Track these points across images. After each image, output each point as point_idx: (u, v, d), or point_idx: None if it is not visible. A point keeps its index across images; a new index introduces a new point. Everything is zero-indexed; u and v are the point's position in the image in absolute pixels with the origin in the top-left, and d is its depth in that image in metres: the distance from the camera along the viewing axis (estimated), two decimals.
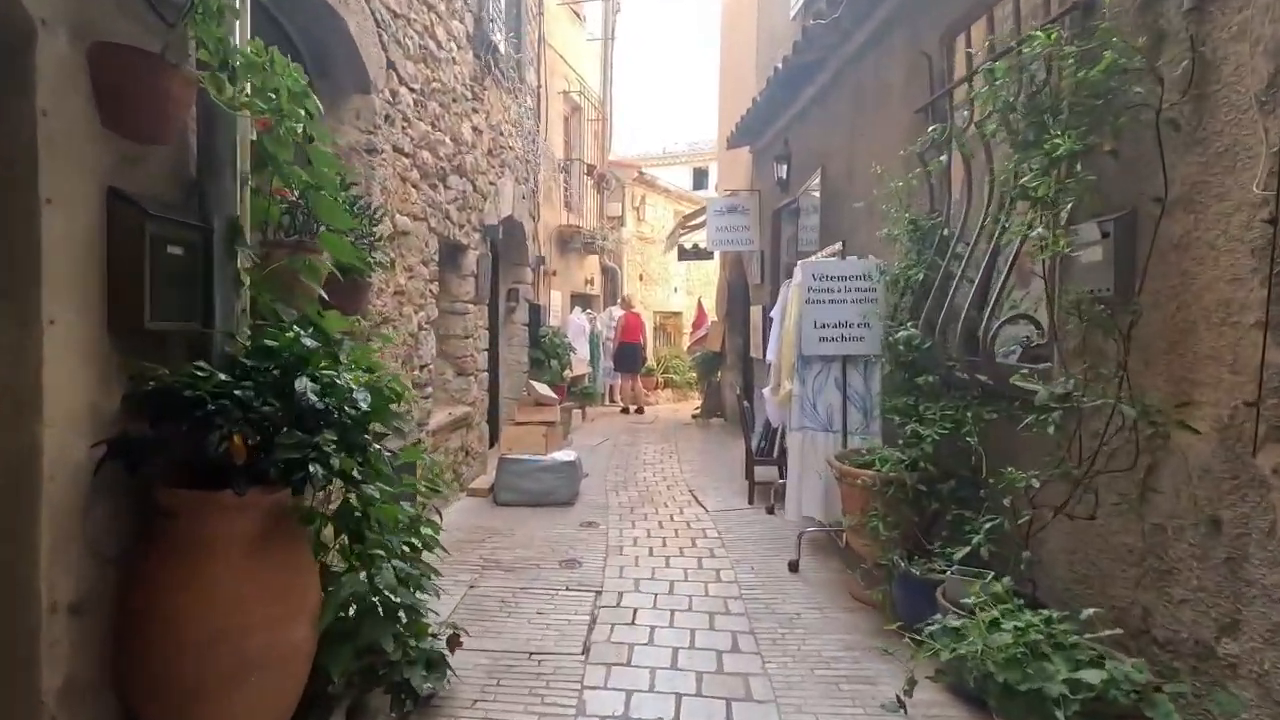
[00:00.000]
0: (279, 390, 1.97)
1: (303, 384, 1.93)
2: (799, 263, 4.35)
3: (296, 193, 2.67)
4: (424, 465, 3.15)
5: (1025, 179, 2.48)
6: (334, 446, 2.02)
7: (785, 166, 6.88)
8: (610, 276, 13.03)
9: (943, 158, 3.31)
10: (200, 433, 1.85)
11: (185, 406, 1.85)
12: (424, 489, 3.00)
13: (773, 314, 4.63)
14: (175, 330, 2.07)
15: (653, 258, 14.56)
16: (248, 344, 2.17)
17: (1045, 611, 2.13)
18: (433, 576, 2.79)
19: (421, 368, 4.66)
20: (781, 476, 5.65)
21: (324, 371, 2.05)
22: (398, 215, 4.14)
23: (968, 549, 2.69)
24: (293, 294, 2.55)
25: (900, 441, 3.34)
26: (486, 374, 6.24)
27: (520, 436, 5.60)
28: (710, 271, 16.51)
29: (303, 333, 2.09)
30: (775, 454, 5.63)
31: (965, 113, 3.43)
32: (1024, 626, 1.96)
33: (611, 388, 12.60)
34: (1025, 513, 2.58)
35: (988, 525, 2.64)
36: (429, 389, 4.81)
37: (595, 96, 12.03)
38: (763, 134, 7.64)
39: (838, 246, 4.11)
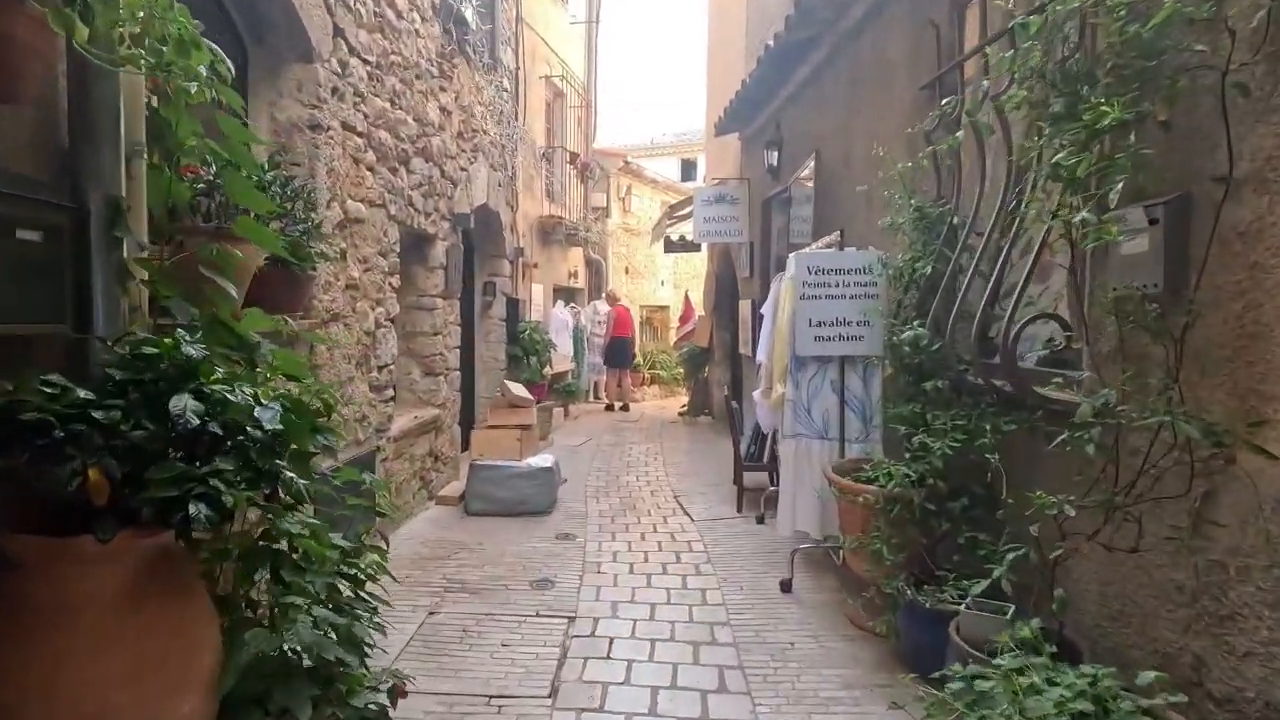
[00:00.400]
0: (155, 410, 1.58)
1: (180, 403, 1.54)
2: (792, 254, 3.99)
3: (213, 171, 2.28)
4: (371, 484, 2.77)
5: (1057, 156, 2.13)
6: (231, 476, 1.64)
7: (776, 153, 6.51)
8: (595, 269, 12.64)
9: (958, 135, 2.94)
10: (48, 465, 1.47)
11: (26, 432, 1.46)
12: (374, 510, 2.61)
13: (763, 310, 4.28)
14: (31, 334, 1.68)
15: (639, 250, 14.17)
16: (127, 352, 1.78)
17: (1089, 670, 1.79)
18: (377, 613, 2.42)
19: (381, 369, 4.27)
20: (772, 483, 5.32)
21: (215, 385, 1.67)
22: (349, 201, 3.74)
23: (987, 582, 2.35)
24: (202, 290, 2.16)
25: (906, 454, 3.00)
26: (458, 373, 5.85)
27: (493, 441, 5.23)
28: (698, 264, 16.13)
29: (187, 337, 1.69)
30: (765, 459, 5.29)
31: (979, 87, 3.07)
32: (1069, 695, 1.62)
33: (597, 384, 12.23)
34: (1055, 542, 2.25)
35: (1010, 555, 2.30)
36: (390, 391, 4.42)
37: (579, 82, 11.59)
38: (752, 119, 7.27)
39: (835, 236, 3.76)
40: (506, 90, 7.31)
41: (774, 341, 4.03)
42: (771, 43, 5.42)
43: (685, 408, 10.37)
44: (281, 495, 1.92)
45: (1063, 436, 2.15)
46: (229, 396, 1.64)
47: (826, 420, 3.78)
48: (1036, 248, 2.54)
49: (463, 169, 5.83)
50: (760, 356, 4.19)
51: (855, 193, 4.65)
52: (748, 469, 5.32)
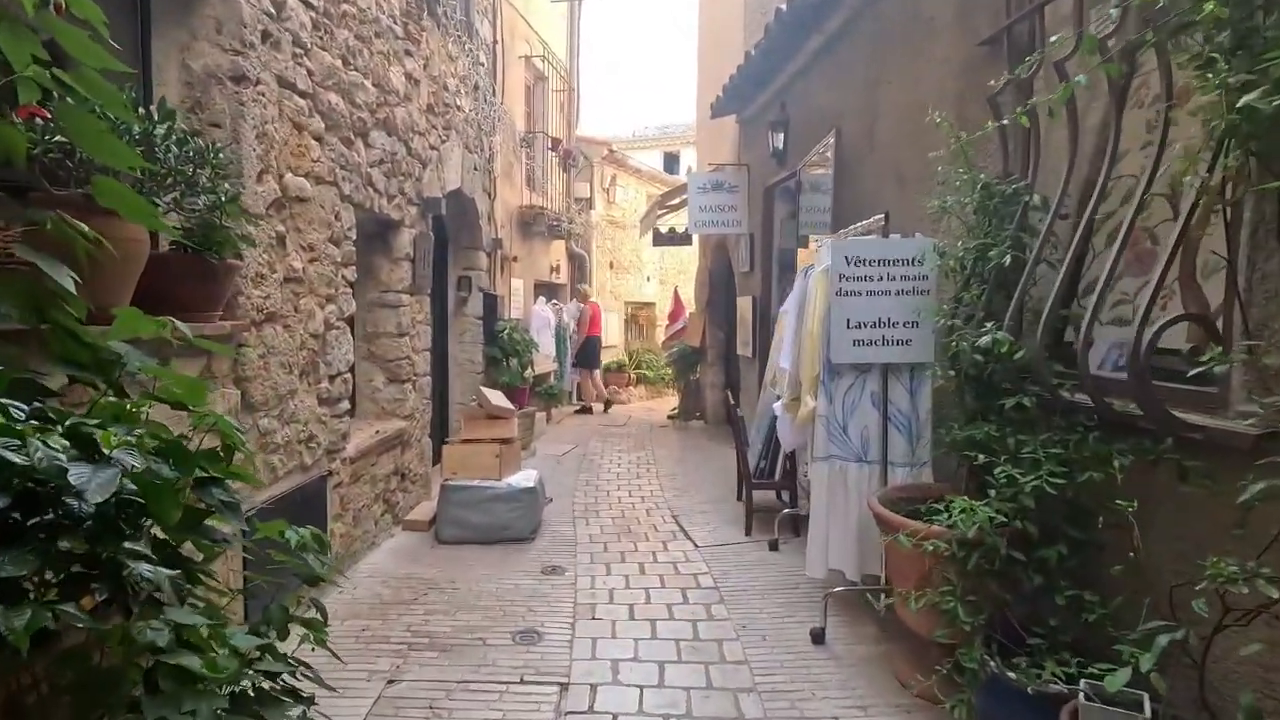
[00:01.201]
0: None
1: None
2: (825, 242, 3.40)
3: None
4: (303, 540, 2.11)
5: (1248, 98, 1.54)
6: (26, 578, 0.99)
7: (782, 135, 5.92)
8: (578, 264, 11.98)
9: (1059, 91, 2.34)
10: None
11: None
12: (309, 572, 1.95)
13: (785, 309, 3.67)
14: None
15: (624, 243, 13.53)
16: None
17: None
18: (314, 702, 1.77)
19: (333, 378, 3.59)
20: (786, 502, 4.73)
21: None
22: (289, 175, 3.06)
23: (1127, 673, 1.76)
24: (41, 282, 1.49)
25: (987, 490, 2.40)
26: (428, 379, 5.17)
27: (468, 458, 4.57)
28: (687, 258, 15.53)
29: None
30: (778, 476, 4.69)
31: (1077, 32, 2.47)
32: None
33: (580, 385, 11.57)
34: (1211, 612, 1.68)
35: (1161, 637, 1.72)
36: (345, 404, 3.74)
37: (561, 65, 10.90)
38: (753, 98, 6.66)
39: (877, 220, 3.17)
40: (483, 65, 6.62)
41: (802, 346, 3.43)
42: (784, 6, 4.81)
43: (675, 411, 9.77)
44: (135, 592, 1.27)
45: (1249, 487, 1.57)
46: (7, 454, 0.98)
47: (865, 440, 3.19)
48: (1179, 228, 1.95)
49: (433, 148, 5.15)
50: (783, 363, 3.58)
51: (885, 173, 4.07)
52: (757, 487, 4.72)
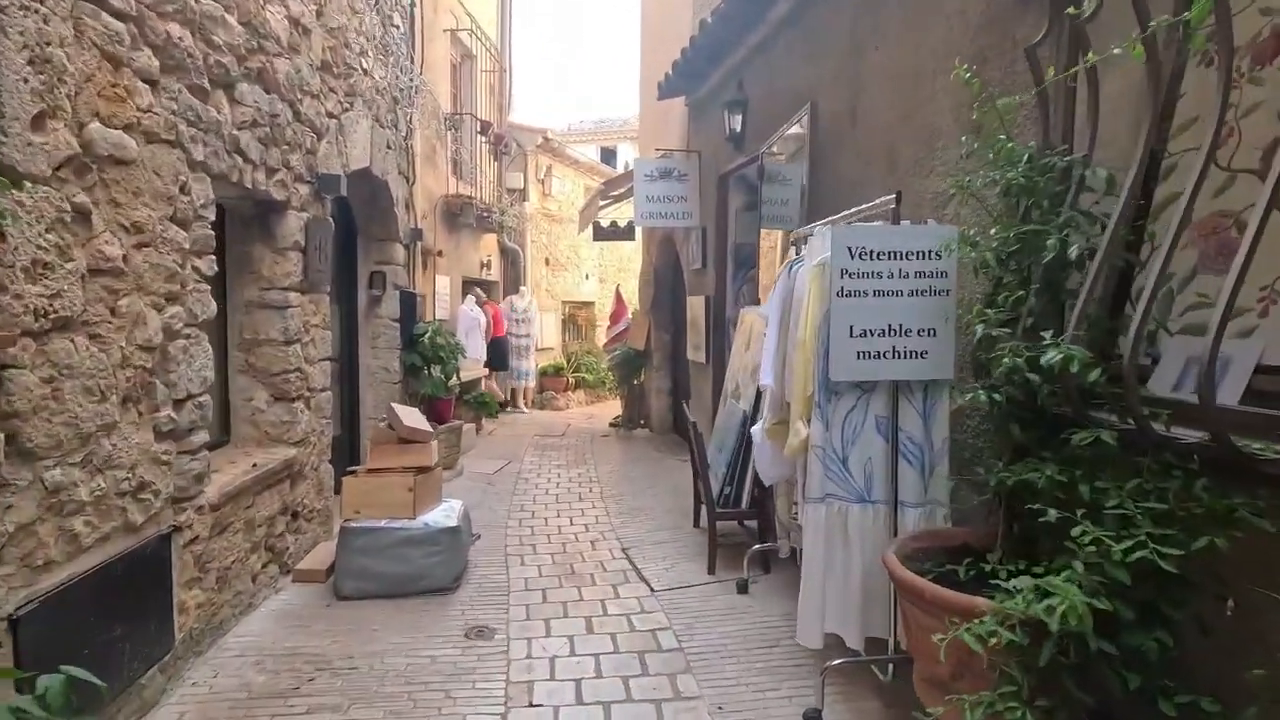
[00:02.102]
0: None
1: None
2: (820, 228, 2.76)
3: None
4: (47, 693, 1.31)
5: None
6: None
7: (740, 116, 5.31)
8: (511, 260, 11.11)
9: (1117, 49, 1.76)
10: None
11: None
12: None
13: (765, 311, 3.02)
14: None
15: (561, 239, 12.72)
16: None
17: None
18: None
19: (180, 402, 2.71)
20: (750, 530, 4.10)
21: None
22: (94, 123, 2.19)
23: None
24: None
25: (1082, 565, 1.80)
26: (327, 394, 4.29)
27: (374, 492, 3.73)
28: (629, 255, 14.87)
29: None
30: (745, 503, 4.06)
31: None
32: None
33: (515, 391, 10.74)
34: None
35: None
36: (199, 435, 2.86)
37: (491, 44, 10.01)
38: (706, 77, 6.03)
39: (886, 202, 2.54)
40: (398, 27, 5.73)
41: (788, 359, 2.79)
42: None
43: (619, 419, 9.07)
44: None
45: None
46: None
47: (869, 475, 2.57)
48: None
49: (331, 115, 4.27)
50: (765, 379, 2.92)
51: (872, 154, 3.50)
52: (722, 517, 4.08)
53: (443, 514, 3.94)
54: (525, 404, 10.81)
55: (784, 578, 3.85)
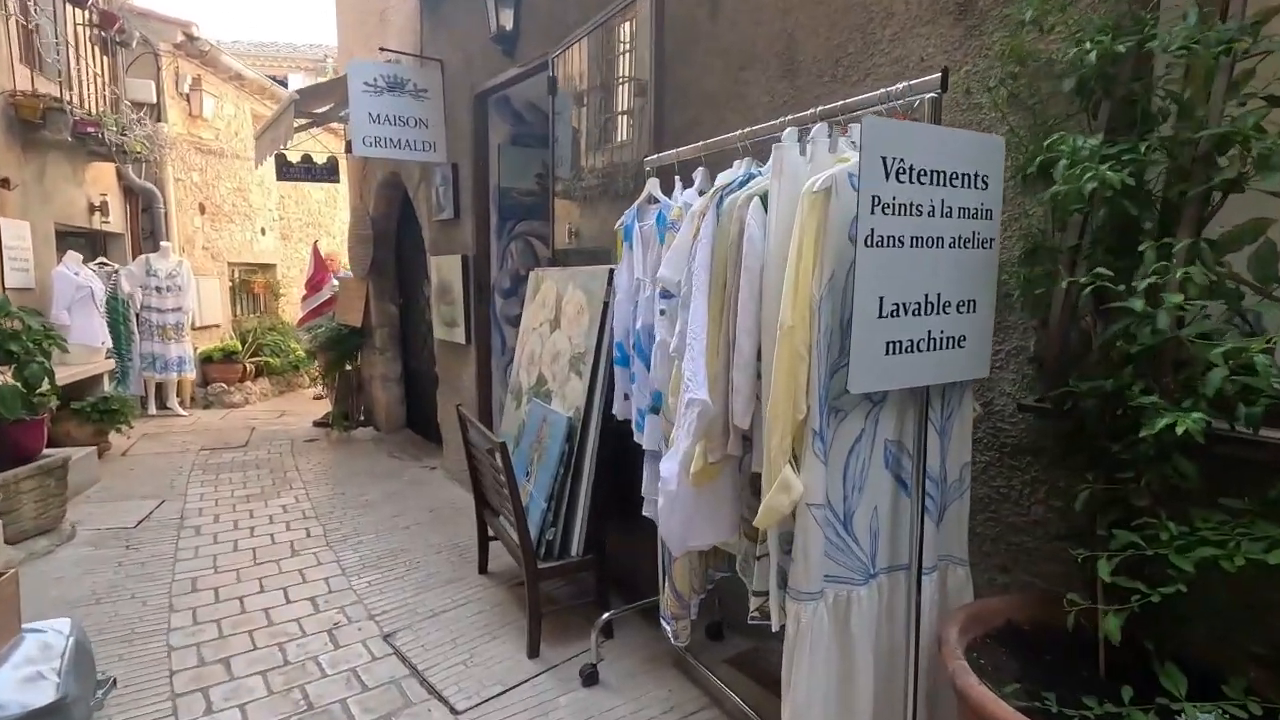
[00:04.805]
0: None
1: None
2: (819, 131, 1.61)
3: None
4: None
5: None
6: None
7: (512, 9, 3.90)
8: (145, 203, 7.89)
9: None
10: None
11: None
12: None
13: (691, 276, 1.80)
14: None
15: (223, 178, 9.54)
16: None
17: None
18: None
19: None
20: (587, 581, 2.93)
21: None
22: None
23: None
24: None
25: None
26: None
27: None
28: (323, 203, 12.03)
29: None
30: (579, 549, 2.87)
31: None
32: None
33: (161, 387, 7.75)
34: None
35: None
36: None
37: None
38: None
39: (929, 84, 1.49)
40: None
41: (730, 357, 1.64)
42: None
43: (330, 416, 7.00)
44: None
45: None
46: None
47: (875, 533, 1.62)
48: None
49: None
50: (695, 392, 1.68)
51: (753, 56, 2.51)
52: (548, 575, 2.82)
53: (24, 672, 1.99)
54: (181, 404, 7.91)
55: (635, 638, 2.79)
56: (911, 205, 1.42)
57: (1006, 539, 1.89)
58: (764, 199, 1.62)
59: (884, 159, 1.37)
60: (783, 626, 1.59)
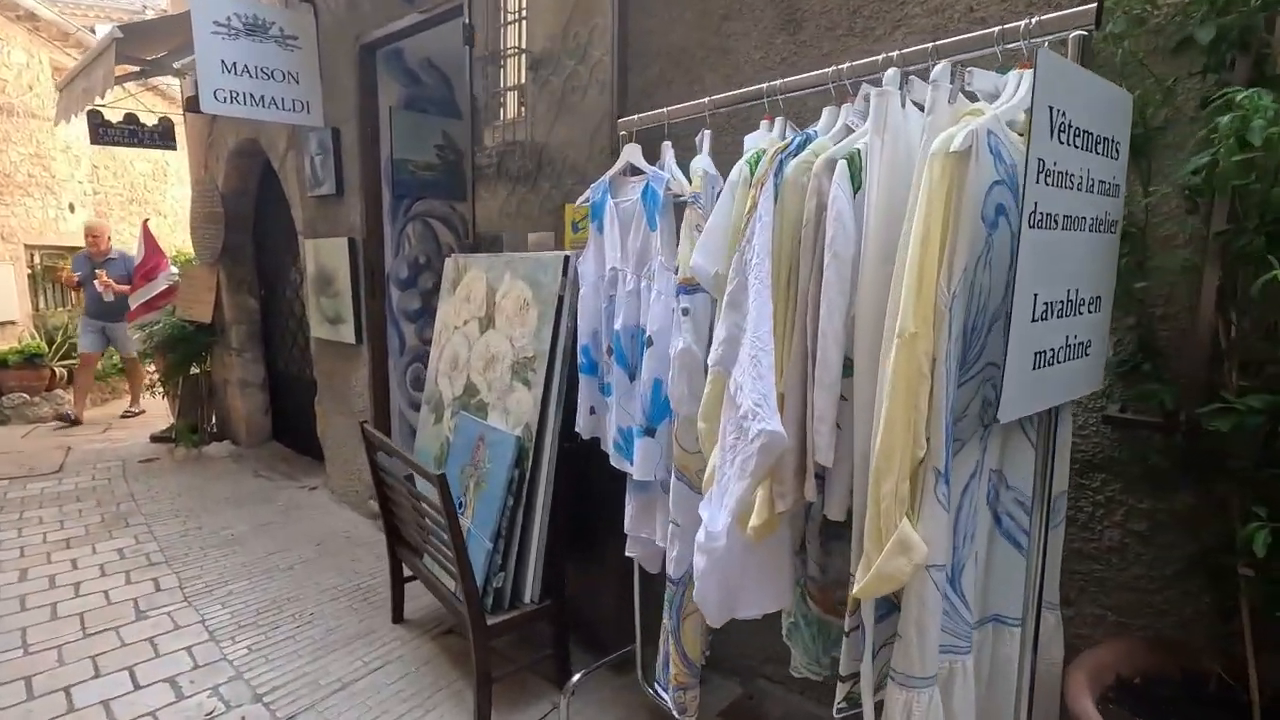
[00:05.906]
0: None
1: None
2: (941, 71, 1.22)
3: None
4: None
5: None
6: None
7: None
8: None
9: None
10: None
11: None
12: None
13: (746, 267, 1.36)
14: None
15: (13, 140, 7.77)
16: None
17: None
18: None
19: None
20: (563, 655, 2.45)
21: None
22: None
23: None
24: None
25: None
26: None
27: None
28: (151, 175, 10.24)
29: None
30: (534, 594, 2.37)
31: None
32: None
33: None
34: None
35: None
36: None
37: None
38: None
39: (1081, 16, 1.16)
40: None
41: (808, 369, 1.24)
42: None
43: (172, 430, 5.86)
44: None
45: None
46: None
47: (983, 591, 1.30)
48: None
49: None
50: (766, 423, 1.25)
51: (740, 5, 2.12)
52: (502, 629, 2.29)
53: None
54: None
55: (599, 692, 2.35)
56: (1066, 175, 1.09)
57: (1071, 566, 1.66)
58: (851, 162, 1.23)
59: (1051, 109, 1.02)
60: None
